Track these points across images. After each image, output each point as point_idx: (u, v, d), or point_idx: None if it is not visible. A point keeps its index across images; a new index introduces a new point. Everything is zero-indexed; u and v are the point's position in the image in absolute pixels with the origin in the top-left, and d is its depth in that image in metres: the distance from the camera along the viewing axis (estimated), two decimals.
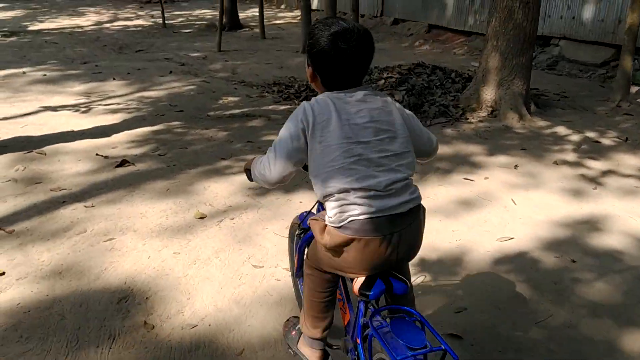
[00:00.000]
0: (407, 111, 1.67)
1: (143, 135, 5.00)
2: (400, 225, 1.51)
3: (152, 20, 13.87)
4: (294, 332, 2.02)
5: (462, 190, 3.83)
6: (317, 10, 13.76)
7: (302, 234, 2.11)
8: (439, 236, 3.16)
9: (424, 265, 2.85)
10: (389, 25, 11.08)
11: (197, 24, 12.93)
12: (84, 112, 5.80)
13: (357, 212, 1.48)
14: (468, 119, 5.36)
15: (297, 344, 1.97)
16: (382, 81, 6.04)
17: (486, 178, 4.07)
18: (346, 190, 1.48)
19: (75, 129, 5.19)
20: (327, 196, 1.53)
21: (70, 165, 4.27)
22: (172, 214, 3.45)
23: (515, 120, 5.27)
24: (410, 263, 1.77)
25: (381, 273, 1.58)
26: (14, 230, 3.23)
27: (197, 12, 15.70)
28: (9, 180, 3.97)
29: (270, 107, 6.00)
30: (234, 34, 11.38)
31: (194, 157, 4.45)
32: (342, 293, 1.90)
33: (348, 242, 1.51)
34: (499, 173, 4.17)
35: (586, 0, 7.48)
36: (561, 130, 5.21)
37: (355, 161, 1.49)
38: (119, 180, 4.00)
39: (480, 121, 5.33)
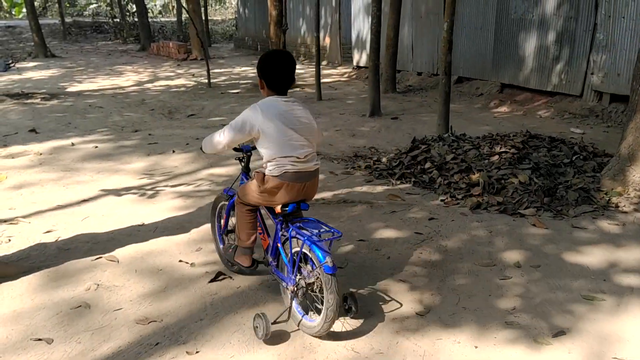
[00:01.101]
0: (306, 109, 2.84)
1: None
2: (309, 178, 2.77)
3: (194, 79, 13.32)
4: (230, 250, 3.17)
5: None
6: (366, 67, 13.10)
7: (227, 200, 3.31)
8: None
9: None
10: (452, 84, 10.31)
11: (243, 84, 12.33)
12: (150, 196, 4.97)
13: (288, 168, 2.69)
14: (618, 206, 4.40)
15: (234, 256, 3.11)
16: (496, 157, 5.14)
17: None
18: (283, 157, 2.68)
19: (147, 221, 4.34)
20: (271, 160, 2.71)
21: (152, 281, 3.37)
22: None
23: None
24: None
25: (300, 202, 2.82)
26: None
27: (237, 69, 15.20)
28: (79, 307, 3.08)
29: (365, 189, 5.11)
30: None
31: None
32: (261, 226, 3.06)
33: (281, 186, 2.72)
34: None
35: None
36: None
37: (288, 139, 2.69)
38: (220, 305, 3.08)
39: (636, 209, 4.36)
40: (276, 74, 2.74)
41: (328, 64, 16.03)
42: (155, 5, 38.89)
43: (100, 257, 3.70)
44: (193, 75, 14.02)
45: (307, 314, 2.78)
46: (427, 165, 5.34)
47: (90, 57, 18.77)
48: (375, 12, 8.01)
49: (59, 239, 4.01)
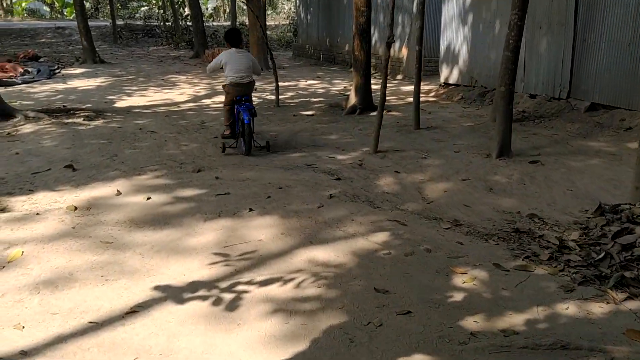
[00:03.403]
0: (252, 57, 6.92)
1: None
2: (245, 85, 6.69)
3: (256, 95, 11.59)
4: (221, 133, 7.18)
5: None
6: (457, 84, 11.12)
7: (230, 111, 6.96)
8: None
9: None
10: (582, 112, 8.21)
11: (315, 103, 10.51)
12: (229, 307, 3.19)
13: (233, 80, 6.60)
14: None
15: (222, 133, 7.07)
16: None
17: None
18: (232, 76, 6.59)
19: None
20: (227, 77, 6.64)
21: None
22: None
23: None
24: None
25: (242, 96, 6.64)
26: None
27: (302, 83, 13.42)
28: None
29: (572, 311, 3.15)
30: (371, 119, 8.79)
31: None
32: (235, 117, 6.74)
33: (231, 89, 6.66)
34: None
35: None
36: None
37: (237, 70, 6.58)
38: None
39: None
40: (233, 39, 6.77)
41: (404, 78, 14.09)
42: (207, 8, 37.81)
43: None
44: (255, 89, 12.29)
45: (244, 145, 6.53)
46: None
47: (141, 64, 17.40)
48: (517, 22, 6.02)
49: None
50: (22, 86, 12.63)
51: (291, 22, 28.84)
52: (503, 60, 6.21)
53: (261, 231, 4.32)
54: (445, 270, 3.66)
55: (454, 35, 11.17)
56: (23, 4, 39.00)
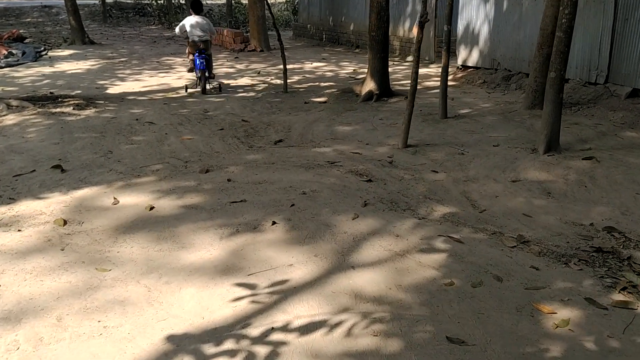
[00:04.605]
0: (208, 20, 9.35)
1: None
2: (204, 43, 8.95)
3: (261, 78, 10.75)
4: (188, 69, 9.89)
5: None
6: (477, 67, 10.32)
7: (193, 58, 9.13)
8: None
9: None
10: (622, 99, 7.46)
11: (325, 88, 9.69)
12: None
13: (194, 39, 8.96)
14: None
15: (188, 68, 9.85)
16: None
17: None
18: (193, 36, 8.98)
19: None
20: (189, 37, 9.03)
21: None
22: None
23: None
24: None
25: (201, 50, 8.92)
26: None
27: (307, 65, 12.56)
28: None
29: None
30: (391, 107, 8.02)
31: None
32: (196, 65, 8.90)
33: (193, 45, 9.00)
34: None
35: None
36: None
37: (197, 31, 8.99)
38: None
39: None
40: (195, 7, 9.08)
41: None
42: None
43: None
44: (258, 73, 11.45)
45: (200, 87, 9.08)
46: None
47: (134, 46, 16.43)
48: None
49: None
50: (6, 70, 11.70)
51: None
52: (555, 42, 5.41)
53: (290, 252, 3.58)
54: (528, 309, 2.94)
55: (474, 14, 10.32)
56: None
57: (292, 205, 4.33)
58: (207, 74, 8.94)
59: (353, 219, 4.07)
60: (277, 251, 3.58)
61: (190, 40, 9.08)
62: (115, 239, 3.72)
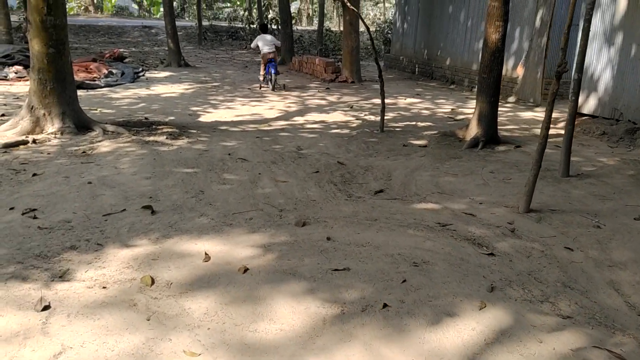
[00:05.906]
0: (272, 37, 13.16)
1: None
2: (272, 55, 12.74)
3: (354, 114, 10.30)
4: (260, 78, 13.56)
5: None
6: (593, 115, 9.34)
7: (265, 67, 13.11)
8: None
9: None
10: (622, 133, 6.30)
11: (423, 128, 9.08)
12: None
13: (265, 53, 12.60)
14: None
15: (259, 75, 13.91)
16: None
17: None
18: (265, 51, 12.59)
19: None
20: (261, 51, 12.59)
21: None
22: None
23: None
24: None
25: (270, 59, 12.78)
26: None
27: (401, 100, 12.00)
28: None
29: None
30: (500, 158, 7.26)
31: None
32: (266, 70, 12.91)
33: (264, 56, 12.72)
34: None
35: None
36: None
37: (265, 47, 12.57)
38: None
39: None
40: (263, 28, 13.42)
41: (517, 101, 12.37)
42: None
43: None
44: (351, 107, 11.02)
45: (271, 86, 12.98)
46: None
47: (226, 70, 16.59)
48: None
49: None
50: (105, 90, 11.98)
51: (378, 28, 27.39)
52: None
53: (407, 351, 2.96)
54: None
55: (594, 57, 9.38)
56: (113, 1, 39.87)
57: (404, 281, 3.72)
58: (274, 73, 12.62)
59: (480, 310, 3.40)
60: (396, 352, 2.97)
61: (262, 54, 12.62)
62: (205, 311, 3.26)
